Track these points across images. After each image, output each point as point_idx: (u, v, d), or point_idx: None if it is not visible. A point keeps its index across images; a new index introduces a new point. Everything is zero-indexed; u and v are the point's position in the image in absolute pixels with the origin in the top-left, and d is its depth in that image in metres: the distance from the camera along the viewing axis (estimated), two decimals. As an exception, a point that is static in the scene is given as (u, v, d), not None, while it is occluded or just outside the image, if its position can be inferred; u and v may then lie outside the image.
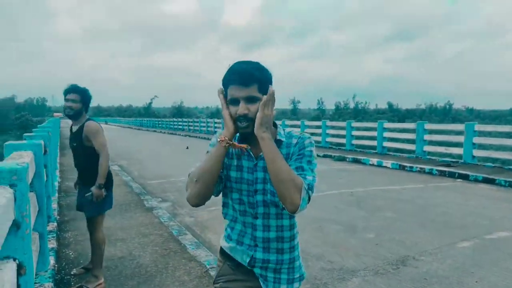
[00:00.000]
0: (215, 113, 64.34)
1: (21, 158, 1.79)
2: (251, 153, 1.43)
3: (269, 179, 1.36)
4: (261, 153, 1.39)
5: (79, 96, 3.23)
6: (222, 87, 1.40)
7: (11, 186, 1.44)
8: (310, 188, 1.32)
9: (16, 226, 1.47)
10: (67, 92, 3.23)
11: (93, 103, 3.50)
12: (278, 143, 1.41)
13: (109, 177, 3.29)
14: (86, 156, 3.21)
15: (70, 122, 3.40)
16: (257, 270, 1.48)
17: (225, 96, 1.39)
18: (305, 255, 4.04)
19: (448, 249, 4.31)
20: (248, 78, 1.33)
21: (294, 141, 1.43)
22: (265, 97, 1.33)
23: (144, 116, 63.75)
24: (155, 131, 38.91)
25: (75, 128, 3.28)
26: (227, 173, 1.46)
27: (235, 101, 1.35)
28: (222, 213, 1.57)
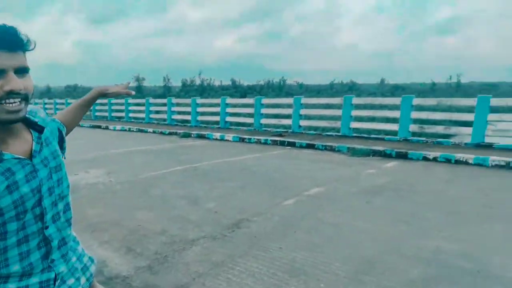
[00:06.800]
0: (45, 93, 56.22)
1: None
2: (18, 156, 0.98)
3: (54, 167, 1.08)
4: (32, 147, 1.03)
5: None
6: None
7: None
8: None
9: None
10: None
11: None
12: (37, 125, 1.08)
13: None
14: None
15: None
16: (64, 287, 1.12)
17: None
18: (147, 233, 4.07)
19: (276, 208, 4.97)
20: (20, 42, 0.95)
21: (44, 117, 1.14)
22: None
23: None
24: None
25: None
26: None
27: None
28: None
